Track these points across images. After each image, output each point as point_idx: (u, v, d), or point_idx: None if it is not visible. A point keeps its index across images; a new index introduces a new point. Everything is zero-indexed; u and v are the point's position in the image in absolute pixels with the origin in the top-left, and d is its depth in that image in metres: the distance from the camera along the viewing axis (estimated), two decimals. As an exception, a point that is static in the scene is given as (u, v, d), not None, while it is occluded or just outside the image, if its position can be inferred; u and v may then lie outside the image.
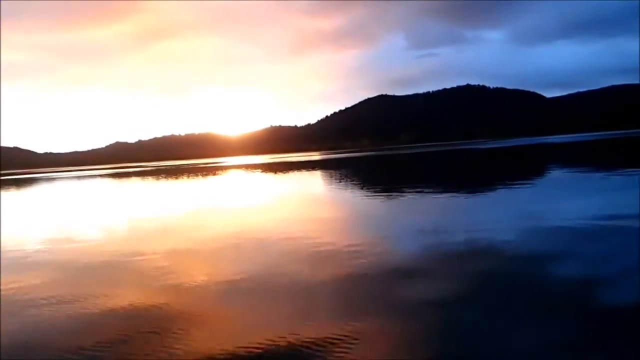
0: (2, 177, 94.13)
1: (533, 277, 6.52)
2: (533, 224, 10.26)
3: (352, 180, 28.12)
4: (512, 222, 10.83)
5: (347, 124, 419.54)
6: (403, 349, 4.50)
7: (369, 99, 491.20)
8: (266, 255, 8.76)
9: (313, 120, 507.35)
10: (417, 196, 16.98)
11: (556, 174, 23.66)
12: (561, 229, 9.53)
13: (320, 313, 5.55)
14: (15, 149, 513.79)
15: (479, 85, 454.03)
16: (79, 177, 67.21)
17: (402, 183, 24.30)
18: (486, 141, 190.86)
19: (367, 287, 6.42)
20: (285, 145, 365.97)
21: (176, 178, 44.87)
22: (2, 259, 9.94)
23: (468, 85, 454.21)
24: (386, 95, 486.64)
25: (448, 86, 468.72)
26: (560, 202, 13.49)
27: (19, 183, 57.37)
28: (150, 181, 43.08)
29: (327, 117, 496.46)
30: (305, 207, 16.92)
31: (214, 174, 47.66)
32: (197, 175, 46.90)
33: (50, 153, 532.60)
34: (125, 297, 6.57)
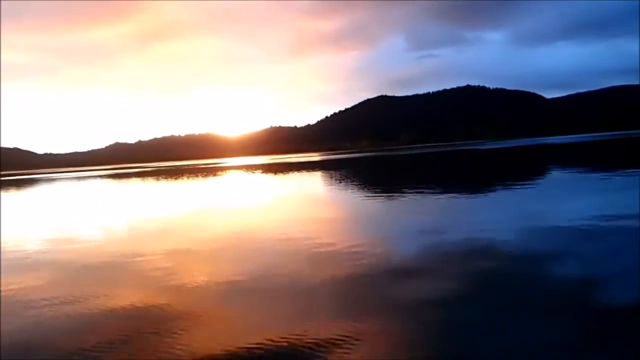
0: (2, 178, 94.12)
1: (533, 277, 6.53)
2: (534, 225, 10.25)
3: (353, 181, 28.11)
4: (512, 222, 10.83)
5: (347, 124, 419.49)
6: (404, 348, 4.49)
7: (368, 99, 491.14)
8: (266, 256, 8.76)
9: (313, 121, 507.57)
10: (418, 197, 16.97)
11: (556, 175, 23.67)
12: (561, 229, 9.54)
13: (320, 313, 5.55)
14: (15, 149, 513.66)
15: (479, 86, 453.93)
16: (79, 178, 67.21)
17: (402, 184, 24.29)
18: (486, 142, 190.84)
19: (367, 287, 6.41)
20: (285, 146, 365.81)
21: (176, 179, 44.87)
22: (2, 259, 9.94)
23: (468, 86, 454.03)
24: (386, 96, 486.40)
25: (448, 87, 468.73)
26: (561, 203, 13.48)
27: (19, 184, 57.36)
28: (150, 182, 43.08)
29: (326, 117, 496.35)
30: (306, 208, 16.92)
31: (214, 175, 47.65)
32: (197, 176, 46.89)
33: (50, 154, 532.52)
34: (125, 297, 6.57)
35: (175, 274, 7.71)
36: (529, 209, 12.49)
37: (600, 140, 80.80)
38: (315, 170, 44.08)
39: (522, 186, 18.77)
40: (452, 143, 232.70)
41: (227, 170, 59.32)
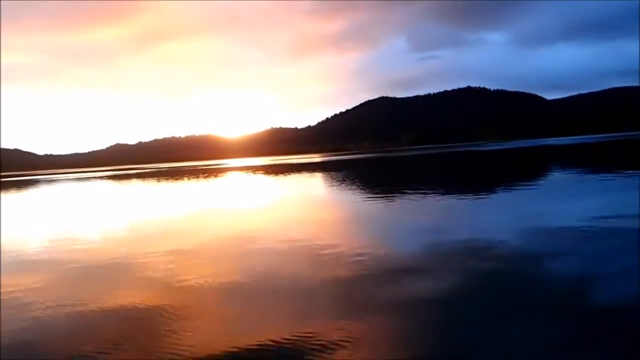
0: (3, 179, 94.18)
1: (534, 277, 6.53)
2: (534, 225, 10.24)
3: (354, 183, 28.09)
4: (513, 223, 10.84)
5: (348, 125, 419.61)
6: (404, 348, 4.49)
7: (369, 100, 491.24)
8: (267, 257, 8.77)
9: (314, 122, 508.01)
10: (420, 198, 16.96)
11: (557, 176, 23.67)
12: (561, 230, 9.53)
13: (321, 313, 5.55)
14: (16, 150, 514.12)
15: (479, 87, 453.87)
16: (79, 179, 67.25)
17: (404, 185, 24.30)
18: (487, 143, 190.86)
19: (368, 288, 6.40)
20: (285, 147, 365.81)
21: (177, 180, 44.88)
22: (2, 260, 9.93)
23: (469, 87, 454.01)
24: (387, 97, 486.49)
25: (449, 88, 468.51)
26: (561, 204, 13.49)
27: (19, 185, 57.40)
28: (150, 183, 43.10)
29: (327, 119, 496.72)
30: (307, 209, 16.92)
31: (215, 176, 47.65)
32: (197, 177, 46.89)
33: (51, 155, 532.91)
34: (126, 298, 6.57)
35: (176, 275, 7.70)
36: (530, 210, 12.48)
37: (601, 142, 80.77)
38: (317, 172, 44.08)
39: (523, 187, 18.75)
40: (453, 144, 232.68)
41: (227, 172, 59.34)
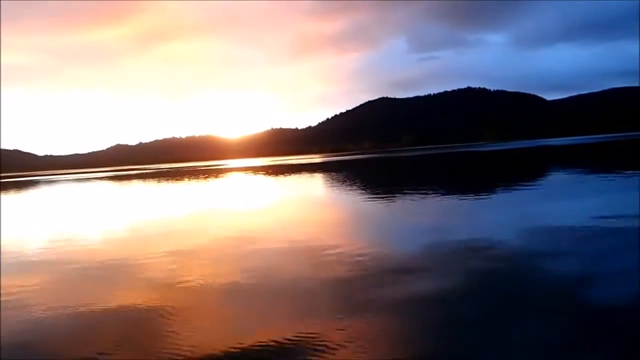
0: (3, 180, 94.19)
1: (535, 277, 6.52)
2: (534, 226, 10.24)
3: (355, 183, 28.07)
4: (514, 223, 10.83)
5: (348, 126, 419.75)
6: (404, 348, 4.48)
7: (370, 101, 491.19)
8: (267, 258, 8.76)
9: (314, 123, 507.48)
10: (420, 199, 16.95)
11: (557, 177, 23.67)
12: (561, 229, 9.52)
13: (321, 313, 5.54)
14: (16, 151, 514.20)
15: (479, 87, 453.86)
16: (79, 180, 67.27)
17: (405, 186, 24.30)
18: (487, 144, 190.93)
19: (368, 288, 6.39)
20: (286, 147, 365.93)
21: (177, 180, 44.90)
22: (2, 260, 9.93)
23: (469, 88, 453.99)
24: (387, 98, 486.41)
25: (449, 89, 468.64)
26: (561, 204, 13.48)
27: (19, 186, 57.40)
28: (151, 184, 43.10)
29: (327, 119, 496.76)
30: (307, 210, 16.91)
31: (215, 177, 47.65)
32: (198, 178, 46.90)
33: (51, 155, 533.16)
34: (126, 298, 6.57)
35: (177, 276, 7.70)
36: (530, 210, 12.49)
37: (600, 142, 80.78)
38: (317, 172, 44.06)
39: (522, 188, 18.74)
40: (453, 145, 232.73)
41: (228, 172, 59.34)
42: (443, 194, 18.25)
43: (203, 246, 10.24)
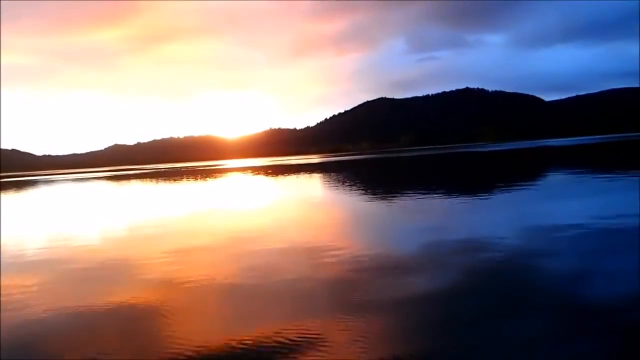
0: (1, 180, 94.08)
1: (535, 277, 6.51)
2: (535, 226, 10.24)
3: (353, 183, 28.04)
4: (514, 224, 10.83)
5: (347, 126, 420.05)
6: (404, 348, 4.48)
7: (368, 101, 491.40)
8: (266, 258, 8.74)
9: (312, 123, 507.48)
10: (420, 199, 16.95)
11: (556, 177, 23.69)
12: (561, 229, 9.50)
13: (321, 313, 5.52)
14: (14, 151, 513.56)
15: (478, 88, 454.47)
16: (77, 180, 67.20)
17: (404, 186, 24.28)
18: (486, 144, 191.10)
19: (368, 287, 6.38)
20: (284, 148, 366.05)
21: (175, 181, 44.86)
22: (2, 260, 9.88)
23: (467, 89, 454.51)
24: (386, 98, 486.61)
25: (448, 89, 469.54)
26: (560, 204, 13.47)
27: (18, 185, 57.32)
28: (149, 184, 43.06)
29: (326, 119, 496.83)
30: (306, 210, 16.89)
31: (214, 177, 47.62)
32: (196, 178, 46.87)
33: (49, 155, 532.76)
34: (125, 298, 6.56)
35: (176, 275, 7.68)
36: (530, 211, 12.50)
37: (600, 143, 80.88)
38: (315, 173, 44.04)
39: (522, 188, 18.72)
40: (452, 145, 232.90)
41: (226, 172, 59.32)
42: (442, 195, 18.23)
43: (203, 246, 10.22)
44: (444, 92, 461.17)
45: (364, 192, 21.65)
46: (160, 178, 52.80)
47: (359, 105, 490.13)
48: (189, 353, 4.62)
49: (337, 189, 24.21)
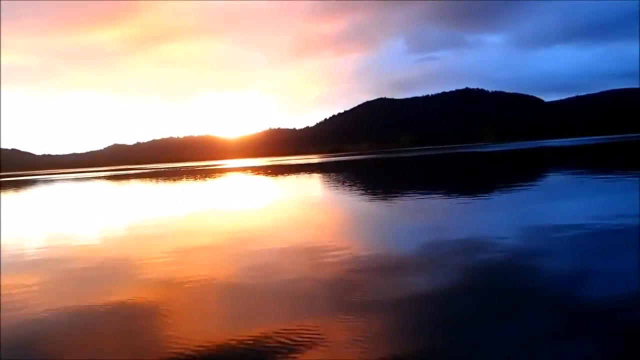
0: (1, 179, 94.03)
1: (535, 277, 6.51)
2: (534, 226, 10.24)
3: (353, 183, 28.03)
4: (514, 224, 10.83)
5: (346, 126, 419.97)
6: (405, 348, 4.48)
7: (368, 101, 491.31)
8: (267, 258, 8.74)
9: (312, 123, 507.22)
10: (419, 199, 16.94)
11: (556, 177, 23.68)
12: (561, 229, 9.49)
13: (320, 312, 5.53)
14: (14, 150, 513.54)
15: (478, 88, 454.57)
16: (77, 179, 67.17)
17: (403, 186, 24.27)
18: (485, 144, 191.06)
19: (368, 287, 6.37)
20: (284, 148, 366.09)
21: (175, 180, 44.84)
22: (2, 259, 9.88)
23: (467, 89, 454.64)
24: (386, 99, 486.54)
25: (447, 89, 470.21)
26: (560, 204, 13.48)
27: (17, 185, 57.28)
28: (149, 183, 43.05)
29: (326, 119, 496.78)
30: (306, 210, 16.88)
31: (213, 177, 47.59)
32: (196, 178, 46.85)
33: (49, 155, 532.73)
34: (125, 298, 6.56)
35: (176, 275, 7.68)
36: (530, 211, 12.50)
37: (599, 144, 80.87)
38: (315, 173, 44.02)
39: (521, 188, 18.71)
40: (452, 145, 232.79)
41: (226, 172, 59.29)
42: (442, 195, 18.23)
43: (203, 246, 10.22)
44: (443, 93, 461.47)
45: (363, 192, 21.65)
46: (160, 178, 52.77)
47: (359, 106, 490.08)
48: (189, 353, 4.62)
49: (336, 189, 24.20)
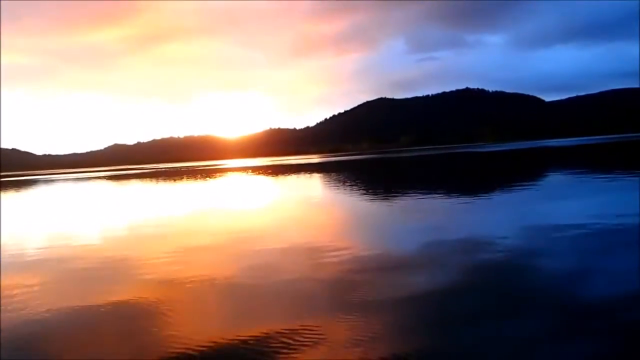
0: (1, 179, 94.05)
1: (536, 277, 6.53)
2: (534, 226, 10.24)
3: (353, 183, 28.03)
4: (514, 224, 10.83)
5: (347, 126, 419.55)
6: (404, 347, 4.48)
7: (368, 101, 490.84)
8: (267, 257, 8.75)
9: (312, 123, 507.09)
10: (419, 199, 16.94)
11: (556, 177, 23.68)
12: (561, 229, 9.50)
13: (320, 311, 5.53)
14: (14, 150, 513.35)
15: (478, 88, 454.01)
16: (77, 179, 67.18)
17: (403, 186, 24.27)
18: (486, 144, 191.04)
19: (368, 287, 6.38)
20: (284, 147, 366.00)
21: (175, 180, 44.84)
22: (2, 259, 9.88)
23: (467, 89, 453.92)
24: (386, 99, 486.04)
25: (448, 89, 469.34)
26: (560, 204, 13.49)
27: (18, 185, 57.29)
28: (149, 183, 43.05)
29: (326, 119, 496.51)
30: (306, 209, 16.88)
31: (214, 177, 47.60)
32: (196, 178, 46.85)
33: (49, 155, 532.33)
34: (126, 297, 6.56)
35: (176, 275, 7.68)
36: (530, 211, 12.51)
37: (600, 144, 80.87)
38: (315, 173, 44.03)
39: (521, 188, 18.72)
40: (452, 145, 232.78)
41: (226, 172, 59.30)
42: (442, 195, 18.23)
43: (203, 246, 10.22)
44: (444, 92, 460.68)
45: (364, 192, 21.65)
46: (160, 178, 52.78)
47: (359, 106, 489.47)
48: (190, 352, 4.62)
49: (337, 189, 24.21)
